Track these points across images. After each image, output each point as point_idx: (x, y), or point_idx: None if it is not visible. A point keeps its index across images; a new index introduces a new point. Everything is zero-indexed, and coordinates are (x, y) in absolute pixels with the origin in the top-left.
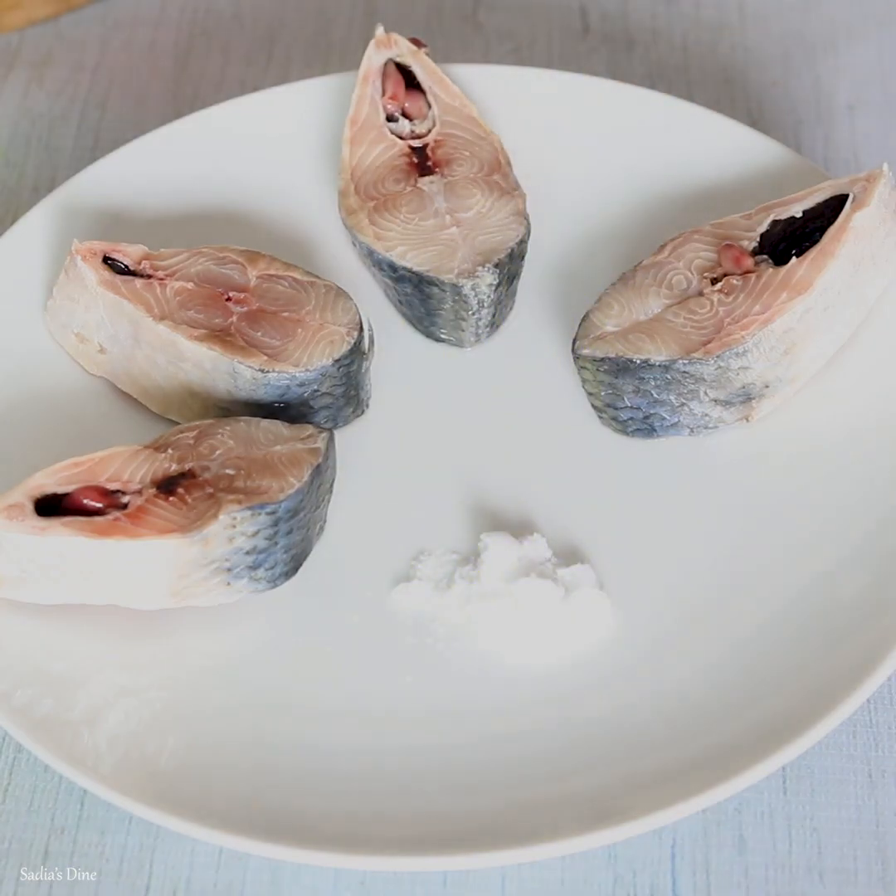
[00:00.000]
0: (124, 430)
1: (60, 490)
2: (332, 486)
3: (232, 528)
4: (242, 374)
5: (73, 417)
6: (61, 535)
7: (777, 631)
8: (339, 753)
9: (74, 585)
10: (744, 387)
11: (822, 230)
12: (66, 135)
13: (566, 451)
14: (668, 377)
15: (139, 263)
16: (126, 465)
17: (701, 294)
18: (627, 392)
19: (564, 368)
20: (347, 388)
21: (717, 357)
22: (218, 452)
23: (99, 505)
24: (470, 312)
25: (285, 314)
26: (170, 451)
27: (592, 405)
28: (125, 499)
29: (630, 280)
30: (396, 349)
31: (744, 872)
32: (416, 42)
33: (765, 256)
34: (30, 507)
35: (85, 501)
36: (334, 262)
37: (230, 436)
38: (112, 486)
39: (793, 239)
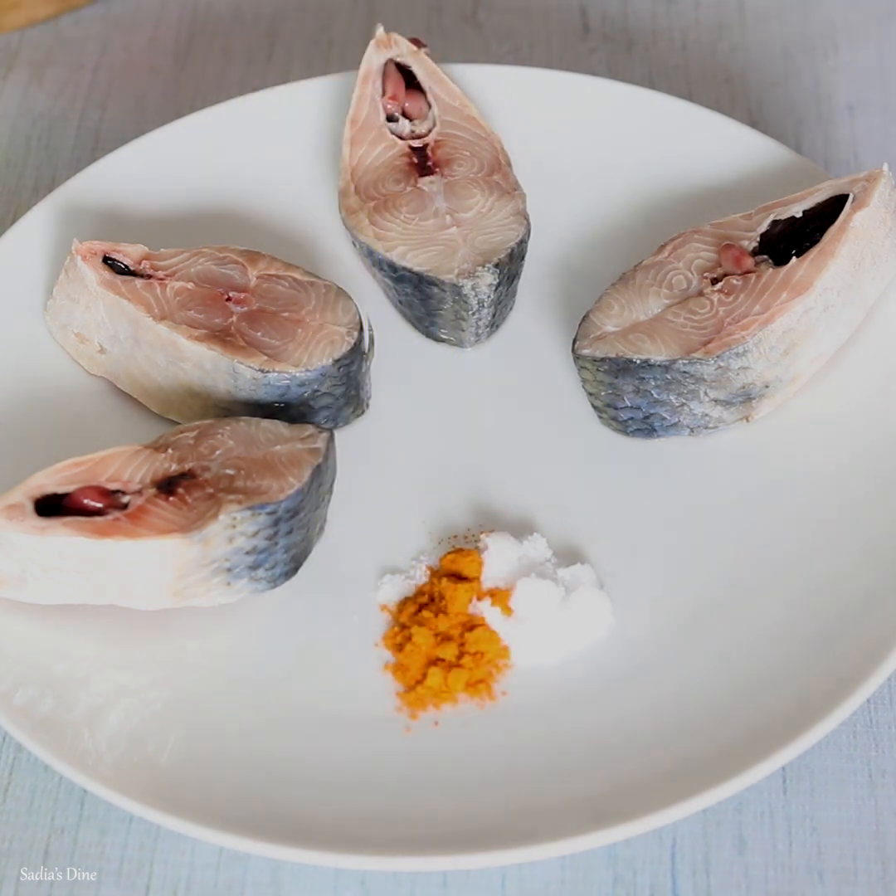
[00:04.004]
0: (124, 430)
1: (60, 490)
2: (332, 486)
3: (232, 529)
4: (242, 374)
5: (73, 417)
6: (61, 535)
7: (777, 630)
8: (340, 753)
9: (74, 585)
10: (744, 387)
11: (822, 230)
12: (66, 135)
13: (566, 451)
14: (668, 377)
15: (139, 263)
16: (126, 465)
17: (701, 294)
18: (627, 392)
19: (564, 368)
20: (347, 388)
21: (718, 357)
22: (218, 452)
23: (99, 505)
24: (470, 312)
25: (285, 314)
26: (170, 451)
27: (592, 405)
28: (125, 499)
29: (630, 280)
30: (396, 349)
31: (744, 872)
32: (416, 42)
33: (765, 256)
34: (30, 507)
35: (85, 501)
36: (334, 262)
37: (230, 436)
38: (112, 486)
39: (793, 239)
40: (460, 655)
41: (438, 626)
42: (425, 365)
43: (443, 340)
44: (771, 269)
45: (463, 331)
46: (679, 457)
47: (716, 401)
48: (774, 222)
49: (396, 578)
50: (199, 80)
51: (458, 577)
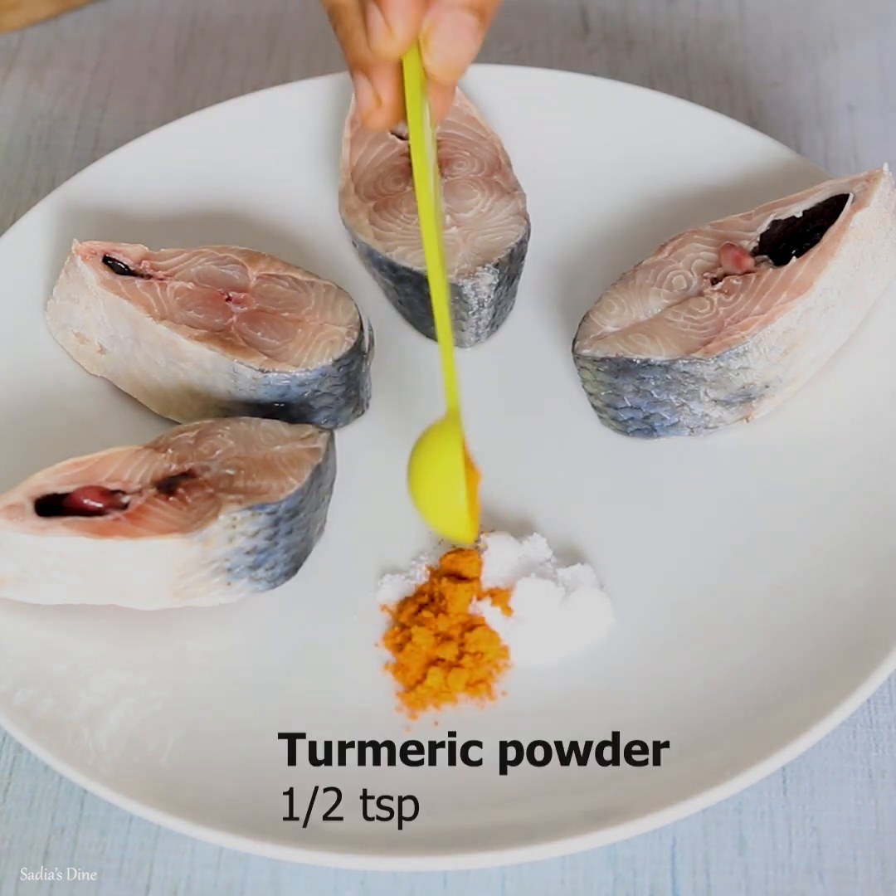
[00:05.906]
0: (124, 430)
1: (60, 490)
2: (332, 486)
3: (232, 529)
4: (242, 374)
5: (73, 417)
6: (61, 535)
7: (777, 631)
8: (340, 753)
9: (74, 585)
10: (744, 387)
11: (823, 230)
12: (66, 135)
13: (566, 451)
14: (669, 377)
15: (139, 263)
16: (126, 465)
17: (701, 294)
18: (627, 392)
19: (564, 368)
20: (347, 388)
21: (718, 357)
22: (218, 452)
23: (99, 505)
24: (470, 312)
25: (285, 314)
26: (170, 451)
27: (592, 405)
28: (125, 499)
29: (630, 280)
30: (396, 349)
31: (744, 872)
32: None
33: (765, 256)
34: (30, 507)
35: (85, 501)
36: (334, 262)
37: (230, 436)
38: (112, 487)
39: (793, 239)
40: (460, 655)
41: (438, 626)
42: (425, 365)
43: None
44: (771, 269)
45: (463, 331)
46: (679, 457)
47: (716, 401)
48: (774, 222)
49: (396, 578)
50: (199, 80)
51: (458, 577)
